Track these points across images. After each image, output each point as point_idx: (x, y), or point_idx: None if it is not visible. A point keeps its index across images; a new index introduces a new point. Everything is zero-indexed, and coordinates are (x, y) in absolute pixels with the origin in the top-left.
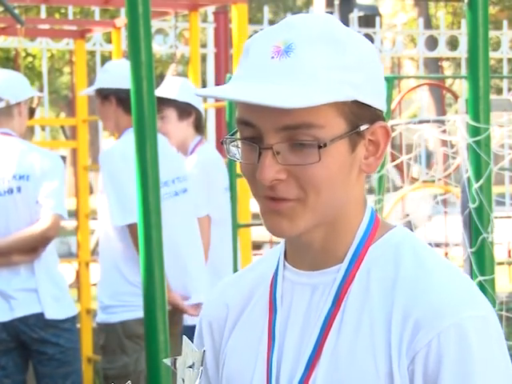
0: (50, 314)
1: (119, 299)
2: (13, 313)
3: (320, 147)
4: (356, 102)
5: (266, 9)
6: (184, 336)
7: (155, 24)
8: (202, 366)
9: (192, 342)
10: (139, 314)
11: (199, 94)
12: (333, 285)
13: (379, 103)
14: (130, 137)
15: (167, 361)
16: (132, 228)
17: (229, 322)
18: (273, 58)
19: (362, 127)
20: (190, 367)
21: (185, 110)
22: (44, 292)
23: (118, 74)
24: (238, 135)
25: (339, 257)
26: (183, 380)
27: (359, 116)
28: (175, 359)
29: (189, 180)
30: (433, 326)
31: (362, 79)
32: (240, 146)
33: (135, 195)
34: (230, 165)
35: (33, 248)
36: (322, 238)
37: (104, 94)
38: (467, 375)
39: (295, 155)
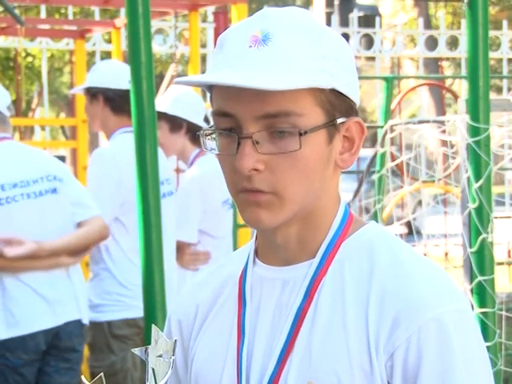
0: (85, 320)
1: (108, 298)
2: (57, 319)
3: (301, 134)
4: (333, 92)
5: None
6: (153, 325)
7: (155, 24)
8: (173, 355)
9: None
10: (126, 314)
11: (178, 82)
12: (304, 279)
13: (353, 95)
14: (123, 137)
15: (136, 351)
16: None
17: (198, 320)
18: (251, 47)
19: (338, 120)
20: (161, 357)
21: (175, 122)
22: (81, 298)
23: (106, 74)
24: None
25: (311, 252)
26: (153, 370)
27: (336, 106)
28: (145, 349)
29: (173, 184)
30: (412, 322)
31: (338, 70)
32: (218, 138)
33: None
34: None
35: (83, 249)
36: (297, 232)
37: (92, 93)
38: (448, 369)
39: (275, 145)
